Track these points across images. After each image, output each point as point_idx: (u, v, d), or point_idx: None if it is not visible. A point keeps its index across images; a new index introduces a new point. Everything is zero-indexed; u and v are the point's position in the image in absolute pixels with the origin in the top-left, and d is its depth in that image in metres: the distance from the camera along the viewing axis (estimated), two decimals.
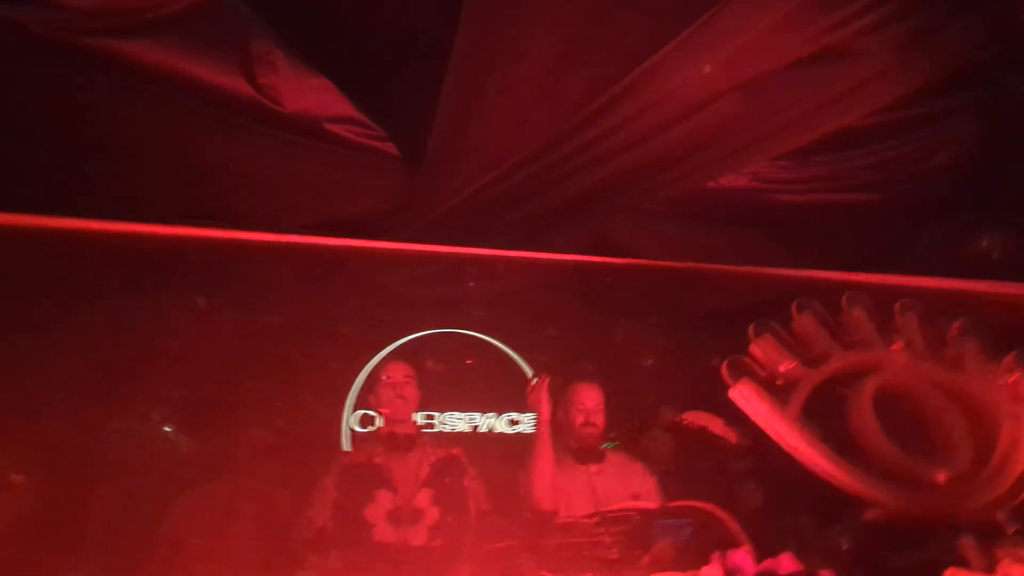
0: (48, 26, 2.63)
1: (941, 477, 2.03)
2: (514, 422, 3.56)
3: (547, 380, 2.72)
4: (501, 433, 3.56)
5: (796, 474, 2.17)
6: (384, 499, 2.49)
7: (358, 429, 3.40)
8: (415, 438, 2.68)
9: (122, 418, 2.99)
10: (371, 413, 3.38)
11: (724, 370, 2.29)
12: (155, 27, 2.75)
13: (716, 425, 2.61)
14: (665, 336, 3.69)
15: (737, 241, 3.59)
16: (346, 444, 3.33)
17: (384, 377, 2.77)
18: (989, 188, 3.40)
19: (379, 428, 2.79)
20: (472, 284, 3.56)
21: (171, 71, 2.80)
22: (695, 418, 2.76)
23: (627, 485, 2.67)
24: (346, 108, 3.03)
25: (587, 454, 2.70)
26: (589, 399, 2.76)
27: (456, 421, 3.52)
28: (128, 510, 2.78)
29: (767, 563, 0.80)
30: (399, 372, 2.76)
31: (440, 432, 3.48)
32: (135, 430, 3.02)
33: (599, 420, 2.74)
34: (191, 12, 2.76)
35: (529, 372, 3.59)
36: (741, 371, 2.26)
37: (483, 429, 3.53)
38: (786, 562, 0.79)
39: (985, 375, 2.27)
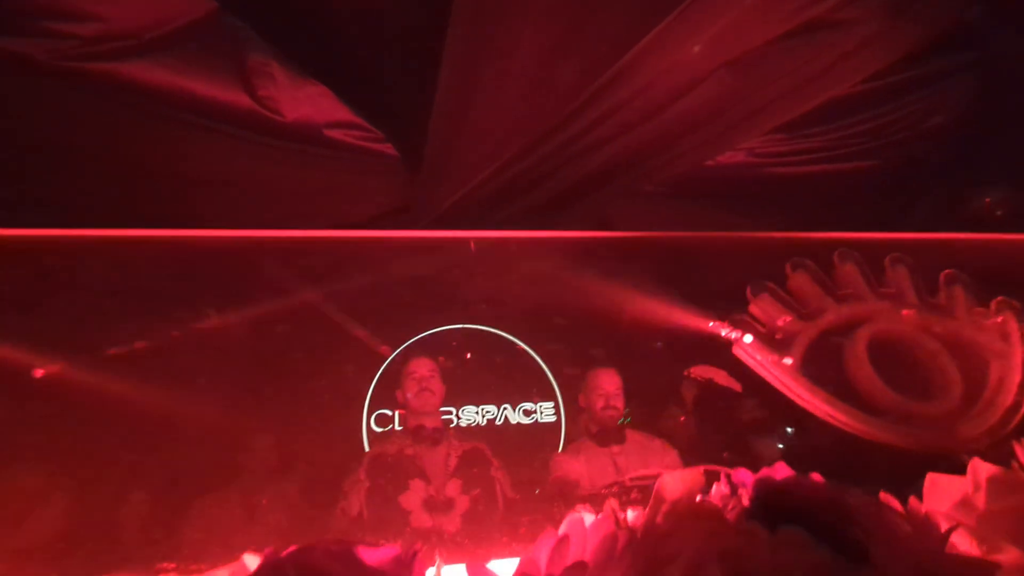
0: (52, 55, 2.91)
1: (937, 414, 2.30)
2: (529, 412, 3.80)
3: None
4: (517, 423, 3.79)
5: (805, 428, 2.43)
6: (418, 488, 2.71)
7: (376, 428, 3.63)
8: (442, 431, 2.92)
9: (145, 432, 3.24)
10: (387, 412, 3.63)
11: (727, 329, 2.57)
12: (154, 48, 3.00)
13: (721, 376, 2.89)
14: (671, 317, 3.91)
15: (737, 218, 3.84)
16: (367, 444, 3.57)
17: (409, 372, 2.99)
18: (977, 146, 3.67)
19: (408, 422, 3.01)
20: (478, 281, 3.80)
21: (172, 89, 3.06)
22: (702, 371, 3.05)
23: (648, 461, 2.93)
24: (343, 113, 3.28)
25: (608, 436, 2.97)
26: (609, 383, 3.06)
27: (473, 415, 3.74)
28: (156, 519, 3.02)
29: (764, 471, 1.08)
30: (423, 367, 3.00)
31: (459, 426, 3.70)
32: (158, 444, 3.28)
33: (619, 403, 3.02)
34: (188, 31, 3.01)
35: (540, 361, 3.83)
36: (743, 329, 2.55)
37: (499, 421, 3.76)
38: (781, 468, 1.07)
39: (973, 319, 2.55)
